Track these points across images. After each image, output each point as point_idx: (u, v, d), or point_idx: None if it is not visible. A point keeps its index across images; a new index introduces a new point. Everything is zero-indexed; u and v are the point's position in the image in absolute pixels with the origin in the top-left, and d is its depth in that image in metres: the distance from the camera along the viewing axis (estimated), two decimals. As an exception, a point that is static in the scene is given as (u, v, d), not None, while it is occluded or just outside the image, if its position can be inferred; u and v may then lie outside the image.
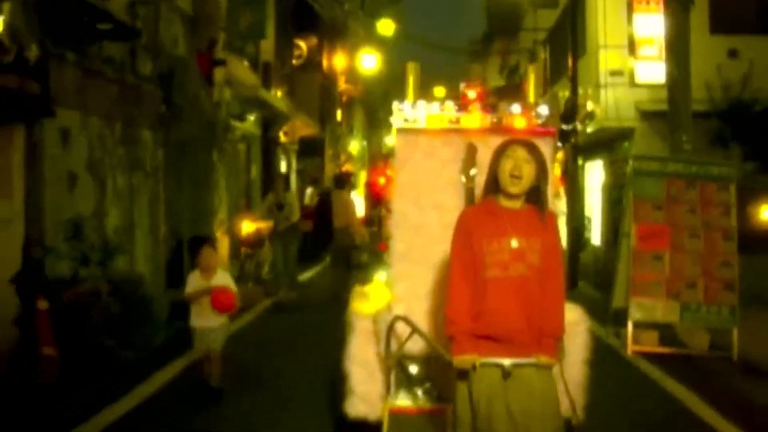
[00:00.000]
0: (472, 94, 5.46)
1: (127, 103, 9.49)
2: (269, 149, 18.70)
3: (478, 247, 3.86)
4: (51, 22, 7.70)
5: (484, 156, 4.83)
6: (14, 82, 6.71)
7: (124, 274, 8.41)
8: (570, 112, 17.07)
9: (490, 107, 5.28)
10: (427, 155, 5.39)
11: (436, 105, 5.30)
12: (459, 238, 3.96)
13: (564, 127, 16.21)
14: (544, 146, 4.96)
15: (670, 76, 12.86)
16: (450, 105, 5.29)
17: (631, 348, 9.11)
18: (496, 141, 4.67)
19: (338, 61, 29.01)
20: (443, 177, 5.31)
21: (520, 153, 3.85)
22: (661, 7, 13.86)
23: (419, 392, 5.12)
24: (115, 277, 8.03)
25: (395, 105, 5.41)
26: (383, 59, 33.14)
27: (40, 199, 7.63)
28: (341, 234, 12.19)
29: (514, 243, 3.81)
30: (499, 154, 3.92)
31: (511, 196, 3.87)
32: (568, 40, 17.69)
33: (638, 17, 14.62)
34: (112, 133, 9.13)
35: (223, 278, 6.90)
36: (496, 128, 5.17)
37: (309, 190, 21.58)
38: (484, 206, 4.01)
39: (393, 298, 5.32)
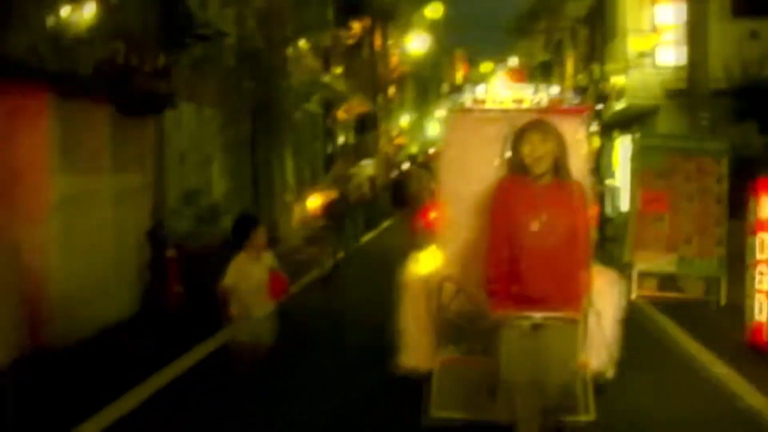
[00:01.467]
0: (514, 76, 6.87)
1: (228, 94, 11.64)
2: (329, 126, 20.81)
3: (514, 218, 4.21)
4: (168, 33, 9.81)
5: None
6: (151, 84, 8.82)
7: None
8: (600, 92, 18.72)
9: (530, 90, 5.88)
10: (474, 133, 5.88)
11: (482, 87, 5.97)
12: (496, 206, 4.32)
13: (596, 106, 17.71)
14: (578, 123, 5.72)
15: (690, 58, 14.52)
16: (495, 88, 5.96)
17: (635, 293, 11.01)
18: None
19: (389, 40, 30.88)
20: (487, 153, 5.70)
21: (534, 136, 4.21)
22: (682, -4, 15.53)
23: (465, 346, 5.53)
24: (222, 233, 10.17)
25: (444, 88, 6.80)
26: (433, 37, 34.88)
27: (164, 173, 9.82)
28: (414, 198, 14.52)
29: (545, 216, 4.17)
30: (517, 141, 4.29)
31: (537, 176, 4.23)
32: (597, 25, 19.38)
33: (660, 6, 16.28)
34: (215, 120, 11.33)
35: (272, 260, 6.06)
36: (535, 108, 5.67)
37: (367, 162, 23.65)
38: (518, 180, 4.31)
39: (442, 260, 5.84)
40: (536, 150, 4.19)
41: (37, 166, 7.35)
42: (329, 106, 20.55)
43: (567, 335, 4.28)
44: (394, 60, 32.38)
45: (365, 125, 25.69)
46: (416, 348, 5.74)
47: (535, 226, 4.17)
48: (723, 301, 10.70)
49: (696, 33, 14.11)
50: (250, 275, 5.83)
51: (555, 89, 5.88)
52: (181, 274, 9.10)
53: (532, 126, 4.31)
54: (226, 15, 12.37)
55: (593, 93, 18.95)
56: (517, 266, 4.21)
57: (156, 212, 9.57)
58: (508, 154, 5.36)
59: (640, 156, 11.39)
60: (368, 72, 26.64)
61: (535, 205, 4.20)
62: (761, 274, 7.88)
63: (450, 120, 6.04)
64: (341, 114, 22.22)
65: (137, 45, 8.56)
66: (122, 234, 8.75)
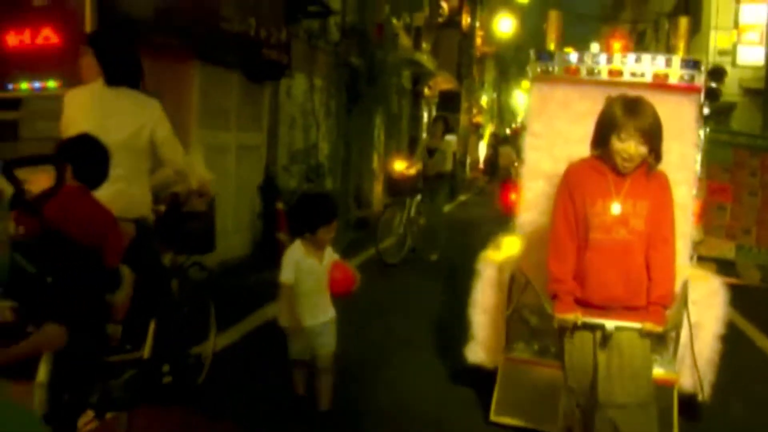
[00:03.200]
0: (617, 45, 5.34)
1: (334, 67, 12.88)
2: (416, 101, 21.92)
3: (581, 206, 3.70)
4: (288, 9, 11.01)
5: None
6: (274, 55, 10.04)
7: (331, 189, 11.87)
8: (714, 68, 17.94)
9: (632, 59, 5.06)
10: (563, 106, 5.22)
11: (574, 56, 5.17)
12: (563, 194, 3.80)
13: (712, 84, 14.85)
14: (688, 104, 5.02)
15: (769, 59, 15.17)
16: (591, 56, 5.13)
17: (694, 275, 11.86)
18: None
19: (476, 21, 31.73)
20: (578, 129, 4.85)
21: (634, 135, 3.56)
22: (767, -3, 16.14)
23: (538, 345, 4.99)
24: (325, 190, 11.45)
25: (532, 54, 5.28)
26: (517, 19, 35.61)
27: (276, 134, 11.08)
28: (503, 171, 15.30)
29: (618, 207, 3.64)
30: (612, 129, 3.60)
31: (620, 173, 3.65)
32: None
33: (745, 6, 16.90)
34: (323, 89, 12.60)
35: (334, 254, 4.88)
36: (638, 82, 4.96)
37: (449, 137, 24.70)
38: (590, 163, 3.76)
39: (520, 248, 5.24)
40: (630, 154, 3.59)
41: (181, 120, 8.63)
42: (416, 82, 21.64)
43: (641, 350, 3.70)
44: (479, 41, 33.20)
45: (448, 103, 26.68)
46: (483, 343, 5.27)
47: (607, 218, 3.65)
48: (777, 289, 11.52)
49: (777, 34, 14.78)
50: (309, 272, 4.67)
51: (662, 60, 5.01)
52: (287, 225, 10.31)
53: (635, 124, 3.57)
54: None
55: (704, 72, 18.95)
56: (582, 264, 3.72)
57: (268, 169, 10.83)
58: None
59: (708, 150, 12.20)
60: (454, 51, 27.54)
61: (607, 194, 3.66)
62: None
63: (536, 90, 5.35)
64: (426, 90, 23.28)
65: (265, 20, 9.77)
66: (241, 185, 10.05)
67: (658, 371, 4.10)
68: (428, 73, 21.78)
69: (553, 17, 5.46)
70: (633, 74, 5.03)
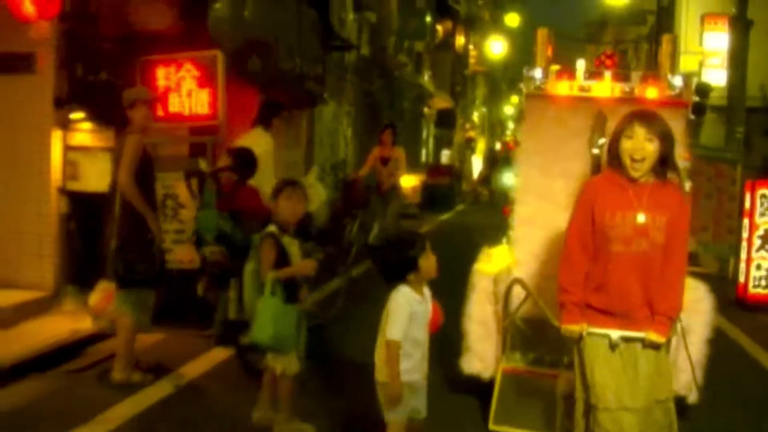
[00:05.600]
0: (608, 61, 5.33)
1: (358, 93, 15.12)
2: (417, 120, 24.15)
3: (601, 219, 3.71)
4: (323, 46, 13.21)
5: (614, 125, 4.11)
6: (313, 86, 12.22)
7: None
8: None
9: (622, 76, 5.13)
10: (556, 122, 5.30)
11: (566, 72, 5.23)
12: (580, 208, 3.83)
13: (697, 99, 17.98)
14: (676, 119, 4.89)
15: (730, 80, 17.30)
16: (581, 73, 5.17)
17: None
18: (627, 111, 4.13)
19: (469, 43, 33.98)
20: (571, 145, 5.17)
21: (640, 133, 3.63)
22: (727, 26, 18.26)
23: (533, 355, 5.09)
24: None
25: (525, 71, 5.37)
26: (507, 40, 37.87)
27: (312, 151, 13.28)
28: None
29: (640, 218, 3.66)
30: (620, 133, 3.71)
31: (632, 178, 3.68)
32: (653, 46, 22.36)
33: (708, 34, 19.15)
34: (348, 114, 14.84)
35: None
36: (627, 98, 5.02)
37: (446, 152, 26.97)
38: (610, 177, 3.80)
39: (514, 260, 5.33)
40: (639, 150, 3.66)
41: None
42: (418, 102, 23.87)
43: (651, 361, 3.75)
44: (472, 61, 35.40)
45: (444, 120, 28.85)
46: (480, 353, 5.33)
47: (627, 230, 3.68)
48: (730, 276, 13.65)
49: (736, 58, 16.63)
50: (424, 317, 4.02)
51: (652, 77, 5.14)
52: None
53: (639, 119, 3.70)
54: (353, 30, 15.69)
55: (691, 87, 21.06)
56: (600, 275, 3.75)
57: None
58: (602, 141, 4.90)
59: (672, 160, 14.40)
60: (448, 71, 29.71)
61: (628, 205, 3.69)
62: (744, 248, 10.99)
63: (530, 107, 5.44)
64: (426, 110, 25.50)
65: (306, 57, 11.96)
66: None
67: None
68: (428, 94, 23.97)
69: (542, 35, 5.52)
70: (624, 91, 5.13)
